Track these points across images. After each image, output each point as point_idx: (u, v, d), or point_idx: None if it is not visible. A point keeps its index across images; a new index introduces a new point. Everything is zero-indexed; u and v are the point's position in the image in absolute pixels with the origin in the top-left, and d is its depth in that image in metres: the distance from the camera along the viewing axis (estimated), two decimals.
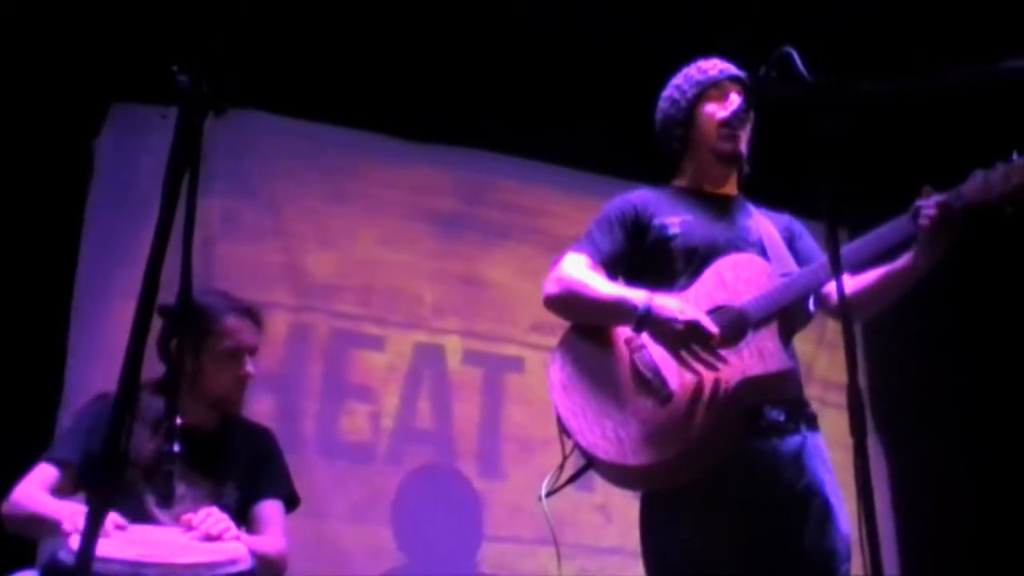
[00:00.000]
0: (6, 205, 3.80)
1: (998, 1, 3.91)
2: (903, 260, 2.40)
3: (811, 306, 2.49)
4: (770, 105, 2.46)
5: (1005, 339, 4.68)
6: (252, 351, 2.78)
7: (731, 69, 2.68)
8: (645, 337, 2.41)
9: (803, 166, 2.01)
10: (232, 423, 2.80)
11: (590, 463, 2.40)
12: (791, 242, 2.65)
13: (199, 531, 2.39)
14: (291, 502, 2.84)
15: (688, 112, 2.67)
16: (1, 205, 3.79)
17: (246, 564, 2.30)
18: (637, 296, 2.40)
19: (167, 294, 1.73)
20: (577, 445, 2.39)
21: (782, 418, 2.43)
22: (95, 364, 3.69)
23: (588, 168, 4.61)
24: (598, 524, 4.23)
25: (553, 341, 2.59)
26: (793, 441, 2.43)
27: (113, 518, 2.29)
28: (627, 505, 2.64)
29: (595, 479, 2.51)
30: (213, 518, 2.43)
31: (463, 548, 4.17)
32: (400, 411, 4.26)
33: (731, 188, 2.73)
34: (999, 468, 4.62)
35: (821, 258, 2.46)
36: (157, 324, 2.28)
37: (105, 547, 1.89)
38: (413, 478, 4.17)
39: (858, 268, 2.42)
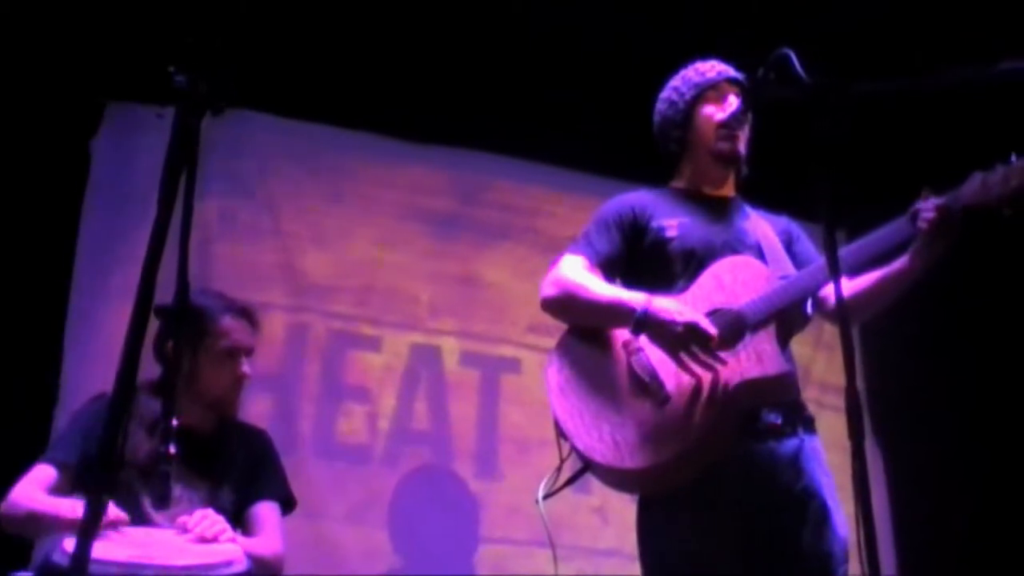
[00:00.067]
0: (2, 205, 3.79)
1: (998, 1, 3.91)
2: (900, 262, 2.40)
3: (809, 309, 2.48)
4: (768, 107, 2.46)
5: (1003, 341, 4.68)
6: (249, 351, 2.78)
7: (729, 71, 2.68)
8: (643, 340, 2.41)
9: (801, 168, 2.01)
10: (229, 425, 2.80)
11: (587, 466, 2.40)
12: (789, 244, 2.65)
13: (194, 533, 2.38)
14: (287, 504, 2.84)
15: (686, 114, 2.67)
16: None
17: (242, 566, 2.30)
18: (635, 298, 2.40)
19: (164, 294, 1.72)
20: (574, 448, 2.38)
21: (779, 421, 2.43)
22: (91, 365, 3.68)
23: (588, 168, 4.60)
24: (595, 526, 4.22)
25: (550, 342, 2.59)
26: (790, 444, 2.43)
27: (112, 509, 2.29)
28: (624, 507, 2.64)
29: (592, 481, 2.50)
30: (208, 520, 2.42)
31: (460, 549, 4.16)
32: (397, 412, 4.25)
33: (729, 190, 2.73)
34: (997, 470, 4.62)
35: (819, 260, 2.45)
36: (154, 325, 2.28)
37: (100, 549, 1.88)
38: (410, 479, 4.16)
39: (856, 271, 2.42)
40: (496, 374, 4.44)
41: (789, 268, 2.52)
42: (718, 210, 2.65)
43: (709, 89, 2.66)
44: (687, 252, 2.54)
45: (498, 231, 4.62)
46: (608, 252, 2.58)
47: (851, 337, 1.89)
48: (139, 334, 1.62)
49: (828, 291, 2.44)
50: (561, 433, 2.42)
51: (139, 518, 2.48)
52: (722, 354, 2.33)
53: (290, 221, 4.32)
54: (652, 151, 2.79)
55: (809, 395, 2.99)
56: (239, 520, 2.68)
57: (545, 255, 2.72)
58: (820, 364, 4.59)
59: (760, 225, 2.63)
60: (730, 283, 2.46)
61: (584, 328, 2.53)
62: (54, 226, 3.89)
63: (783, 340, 2.44)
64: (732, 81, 2.65)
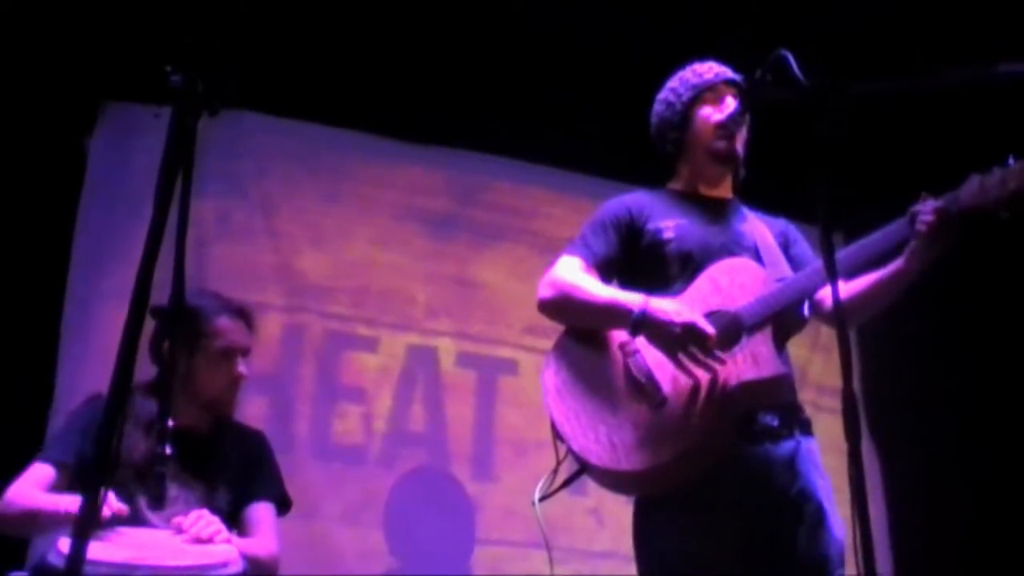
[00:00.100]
0: None
1: (998, 1, 3.91)
2: (896, 265, 2.40)
3: (805, 311, 2.48)
4: (765, 108, 2.45)
5: (999, 344, 4.68)
6: (245, 352, 2.78)
7: (727, 72, 2.68)
8: (639, 342, 2.41)
9: (799, 170, 2.01)
10: (225, 425, 2.80)
11: (583, 468, 2.39)
12: (786, 246, 2.64)
13: (189, 534, 2.38)
14: (283, 505, 2.83)
15: (683, 115, 2.67)
16: None
17: (237, 567, 2.29)
18: (632, 299, 2.39)
19: (160, 295, 1.72)
20: (570, 450, 2.38)
21: (776, 423, 2.43)
22: (87, 365, 3.68)
23: (585, 170, 4.60)
24: (591, 528, 4.23)
25: (547, 343, 2.59)
26: (787, 446, 2.42)
27: (114, 502, 2.29)
28: (620, 509, 2.64)
29: (588, 483, 2.49)
30: (204, 521, 2.42)
31: (456, 551, 4.16)
32: (393, 413, 4.25)
33: (726, 191, 2.73)
34: (993, 473, 4.63)
35: (816, 263, 2.45)
36: (149, 325, 2.27)
37: (95, 549, 1.88)
38: (406, 480, 4.16)
39: (853, 273, 2.42)
40: (493, 375, 4.44)
41: (786, 270, 2.51)
42: (715, 212, 2.65)
43: (707, 90, 2.66)
44: (684, 254, 2.54)
45: (495, 232, 4.63)
46: (605, 254, 2.58)
47: (848, 339, 1.88)
48: (135, 334, 1.62)
49: (824, 294, 2.45)
50: (557, 435, 2.41)
51: (135, 518, 2.47)
52: (719, 355, 2.33)
53: (286, 221, 4.31)
54: (650, 152, 2.79)
55: (805, 397, 2.98)
56: (235, 521, 2.67)
57: (542, 256, 2.72)
58: (817, 366, 4.59)
59: (757, 227, 2.63)
60: (727, 285, 2.46)
61: (581, 330, 2.52)
62: (50, 226, 3.88)
63: (780, 342, 2.44)
64: (730, 82, 2.65)
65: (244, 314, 2.82)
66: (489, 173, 4.69)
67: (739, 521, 2.35)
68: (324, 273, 4.32)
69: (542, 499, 2.43)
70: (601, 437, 2.34)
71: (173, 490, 2.57)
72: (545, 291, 2.54)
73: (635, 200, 2.66)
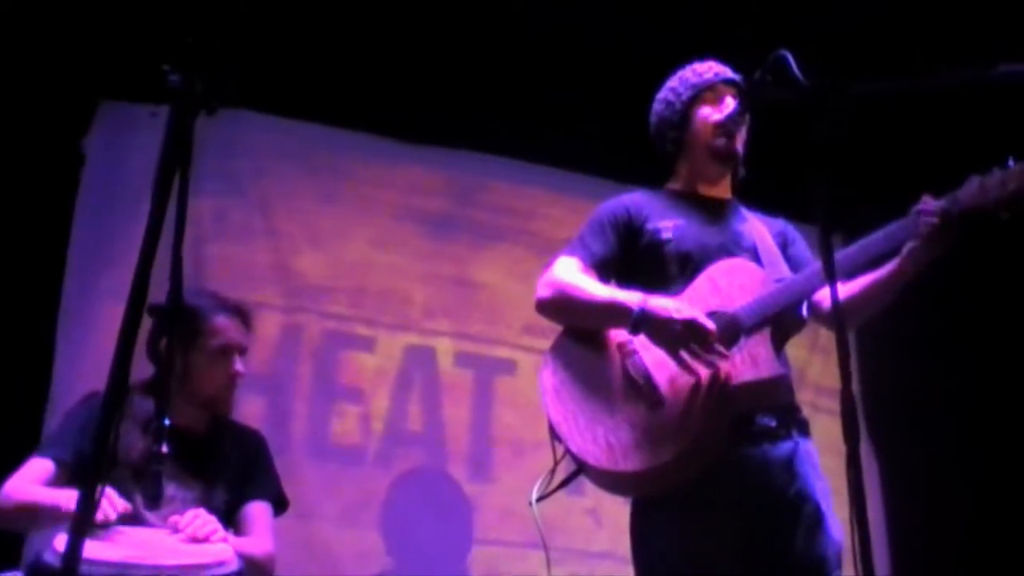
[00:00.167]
0: None
1: (998, 2, 3.91)
2: (893, 265, 2.39)
3: (804, 312, 2.48)
4: (765, 109, 2.45)
5: (999, 344, 4.68)
6: (242, 350, 2.78)
7: (726, 72, 2.68)
8: (638, 343, 2.40)
9: (798, 170, 2.01)
10: (222, 425, 2.80)
11: (581, 469, 2.39)
12: (784, 247, 2.64)
13: (186, 533, 2.38)
14: (280, 505, 2.83)
15: (683, 114, 2.67)
16: None
17: (233, 566, 2.29)
18: (631, 298, 2.39)
19: (157, 294, 1.71)
20: (568, 451, 2.38)
21: (773, 424, 2.43)
22: (83, 364, 3.67)
23: (584, 170, 4.60)
24: (588, 528, 4.22)
25: (545, 344, 2.58)
26: (784, 447, 2.42)
27: (118, 501, 2.29)
28: (618, 510, 2.64)
29: (586, 483, 2.49)
30: (200, 520, 2.42)
31: (453, 551, 4.15)
32: (390, 413, 4.24)
33: (725, 191, 2.72)
34: (992, 474, 4.62)
35: (815, 264, 2.45)
36: (146, 324, 2.27)
37: (91, 548, 1.87)
38: (403, 481, 4.15)
39: (852, 274, 2.41)
40: (491, 375, 4.44)
41: (785, 271, 2.51)
42: (714, 212, 2.65)
43: (706, 90, 2.66)
44: (682, 255, 2.54)
45: (494, 232, 4.62)
46: (603, 254, 2.58)
47: (847, 341, 1.88)
48: (132, 333, 1.62)
49: (823, 295, 2.44)
50: (555, 435, 2.41)
51: (132, 517, 2.46)
52: (721, 350, 2.32)
53: (284, 221, 4.31)
54: (649, 152, 2.79)
55: (804, 398, 2.98)
56: (231, 520, 2.68)
57: (541, 257, 2.72)
58: (815, 367, 4.60)
59: (756, 227, 2.62)
60: (725, 286, 2.46)
61: (579, 330, 2.52)
62: (46, 225, 3.88)
63: (778, 343, 2.43)
64: (729, 82, 2.65)
65: (241, 313, 2.82)
66: (488, 173, 4.69)
67: (737, 522, 2.34)
68: (322, 273, 4.31)
69: (540, 499, 2.43)
70: (599, 438, 2.34)
71: (170, 489, 2.56)
72: (543, 291, 2.54)
73: (633, 200, 2.66)
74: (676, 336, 2.31)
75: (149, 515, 2.50)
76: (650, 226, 2.58)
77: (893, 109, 4.22)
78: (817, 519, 2.37)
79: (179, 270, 1.79)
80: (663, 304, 2.36)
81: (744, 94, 2.53)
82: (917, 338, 4.45)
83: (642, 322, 2.35)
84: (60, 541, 2.10)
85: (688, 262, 2.52)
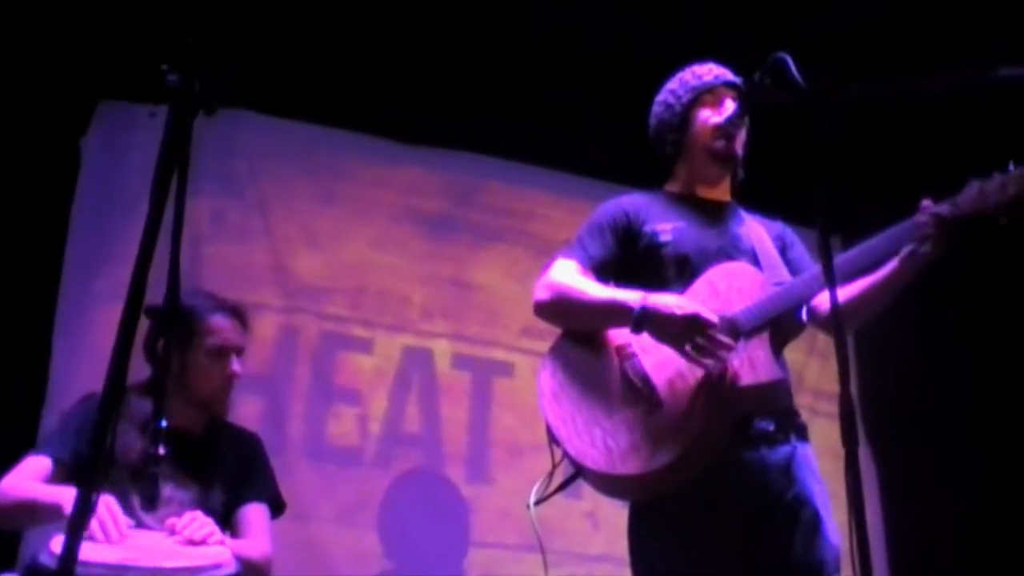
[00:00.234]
0: None
1: (998, 2, 3.91)
2: (891, 268, 2.38)
3: (803, 316, 2.47)
4: (764, 111, 2.45)
5: (997, 346, 4.68)
6: (239, 350, 2.78)
7: (727, 75, 2.67)
8: (636, 346, 2.40)
9: (797, 173, 2.00)
10: (219, 426, 2.79)
11: (579, 472, 2.39)
12: (783, 250, 2.64)
13: (183, 535, 2.37)
14: (276, 506, 2.83)
15: (682, 117, 2.66)
16: None
17: (230, 568, 2.28)
18: (631, 296, 2.38)
19: (154, 295, 1.71)
20: (566, 454, 2.37)
21: (771, 428, 2.42)
22: (80, 365, 3.67)
23: (583, 171, 4.59)
24: (586, 531, 4.21)
25: (543, 346, 2.58)
26: (782, 451, 2.42)
27: (121, 517, 2.28)
28: (615, 513, 2.63)
29: (584, 486, 2.49)
30: (197, 522, 2.41)
31: (450, 553, 4.15)
32: (388, 414, 4.24)
33: (724, 193, 2.72)
34: (990, 476, 4.62)
35: (813, 268, 2.44)
36: (143, 325, 2.26)
37: (87, 550, 1.87)
38: (400, 482, 4.15)
39: (851, 278, 2.41)
40: (488, 377, 4.44)
41: (784, 274, 2.51)
42: (713, 215, 2.64)
43: (706, 93, 2.65)
44: (681, 257, 2.53)
45: (492, 233, 4.62)
46: (601, 256, 2.57)
47: (846, 345, 1.88)
48: (130, 333, 1.61)
49: (821, 299, 2.44)
50: (553, 438, 2.40)
51: (129, 519, 2.46)
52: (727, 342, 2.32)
53: (282, 222, 4.30)
54: (648, 154, 2.78)
55: (802, 402, 2.98)
56: (228, 522, 2.67)
57: (539, 258, 2.71)
58: (814, 370, 4.59)
59: (755, 230, 2.62)
60: (724, 289, 2.45)
61: (578, 333, 2.51)
62: (44, 225, 3.87)
63: (777, 347, 2.43)
64: (729, 85, 2.64)
65: (238, 313, 2.81)
66: (486, 174, 4.68)
67: (735, 525, 2.34)
68: (320, 274, 4.31)
69: (537, 503, 2.42)
70: (597, 441, 2.33)
71: (167, 491, 2.56)
72: (542, 293, 2.53)
73: (632, 202, 2.65)
74: (679, 332, 2.31)
75: (146, 517, 2.50)
76: (648, 228, 2.57)
77: (893, 111, 4.22)
78: (815, 523, 2.36)
79: (177, 270, 1.78)
80: (664, 301, 2.35)
81: (744, 97, 2.53)
82: (916, 340, 4.44)
83: (644, 320, 2.34)
84: (56, 543, 2.09)
85: (686, 265, 2.52)
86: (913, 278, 2.37)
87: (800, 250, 2.68)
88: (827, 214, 1.91)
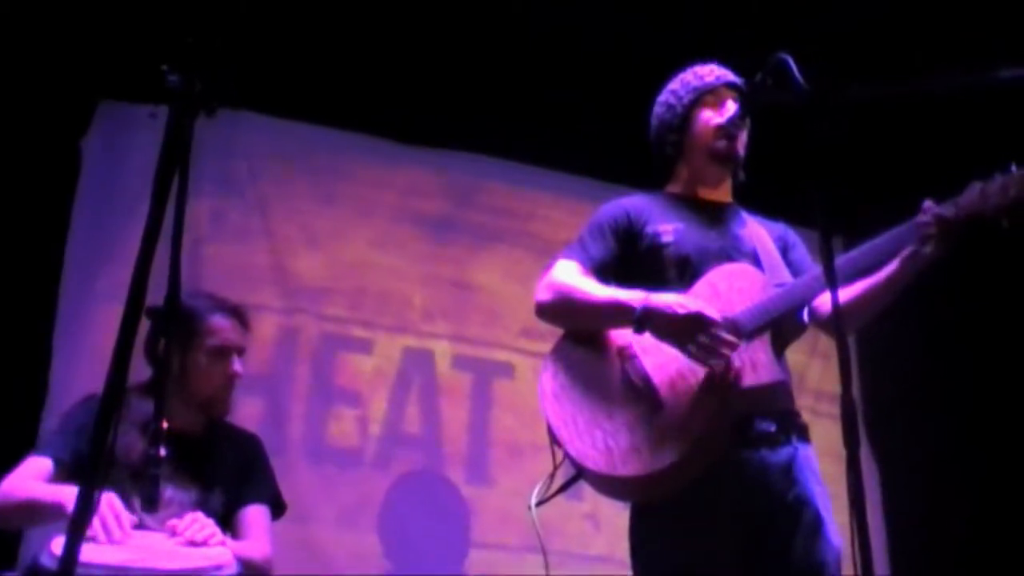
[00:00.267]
0: None
1: (998, 2, 3.91)
2: (891, 269, 2.38)
3: (804, 318, 2.47)
4: (765, 112, 2.45)
5: (998, 347, 4.68)
6: (239, 351, 2.78)
7: (728, 76, 2.67)
8: (638, 347, 2.40)
9: (798, 174, 2.00)
10: (220, 428, 2.80)
11: (580, 473, 2.38)
12: (785, 251, 2.63)
13: (183, 537, 2.37)
14: (277, 508, 2.83)
15: (683, 118, 2.66)
16: None
17: (231, 569, 2.29)
18: (633, 296, 2.38)
19: (154, 295, 1.71)
20: (567, 455, 2.37)
21: (773, 429, 2.42)
22: (80, 365, 3.66)
23: (583, 172, 4.59)
24: (587, 532, 4.21)
25: (543, 347, 2.57)
26: (783, 452, 2.41)
27: (125, 515, 2.28)
28: (616, 514, 2.63)
29: (584, 487, 2.49)
30: (198, 524, 2.41)
31: (450, 554, 4.14)
32: (388, 416, 4.23)
33: (725, 195, 2.72)
34: (991, 477, 4.62)
35: (814, 269, 2.44)
36: (144, 326, 2.26)
37: (88, 552, 1.87)
38: (401, 483, 4.14)
39: (852, 279, 2.40)
40: (489, 378, 4.43)
41: (785, 275, 2.50)
42: (714, 216, 2.64)
43: (707, 93, 2.65)
44: (682, 258, 2.53)
45: (492, 234, 4.62)
46: (602, 257, 2.57)
47: (847, 347, 1.87)
48: (130, 334, 1.61)
49: (822, 301, 2.44)
50: (555, 439, 2.40)
51: (132, 516, 2.46)
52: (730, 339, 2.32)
53: (282, 222, 4.30)
54: (649, 155, 2.78)
55: (803, 403, 2.97)
56: (228, 523, 2.67)
57: (540, 259, 2.71)
58: (815, 372, 4.59)
59: (756, 231, 2.61)
60: (725, 290, 2.45)
61: (579, 334, 2.51)
62: (44, 226, 3.87)
63: (778, 348, 2.43)
64: (730, 86, 2.64)
65: (239, 313, 2.82)
66: (486, 175, 4.68)
67: (736, 526, 2.34)
68: (320, 274, 4.30)
69: (539, 504, 2.42)
70: (598, 442, 2.33)
71: (167, 492, 2.56)
72: (543, 294, 2.53)
73: (633, 203, 2.65)
74: (682, 330, 2.31)
75: (147, 518, 2.50)
76: (650, 229, 2.57)
77: (893, 111, 4.21)
78: (816, 524, 2.36)
79: (177, 271, 1.78)
80: (666, 299, 2.35)
81: (745, 98, 2.53)
82: (916, 340, 4.45)
83: (646, 319, 2.34)
84: (57, 544, 2.09)
85: (687, 266, 2.51)
86: (914, 279, 2.37)
87: (801, 251, 2.67)
88: (828, 215, 1.91)
